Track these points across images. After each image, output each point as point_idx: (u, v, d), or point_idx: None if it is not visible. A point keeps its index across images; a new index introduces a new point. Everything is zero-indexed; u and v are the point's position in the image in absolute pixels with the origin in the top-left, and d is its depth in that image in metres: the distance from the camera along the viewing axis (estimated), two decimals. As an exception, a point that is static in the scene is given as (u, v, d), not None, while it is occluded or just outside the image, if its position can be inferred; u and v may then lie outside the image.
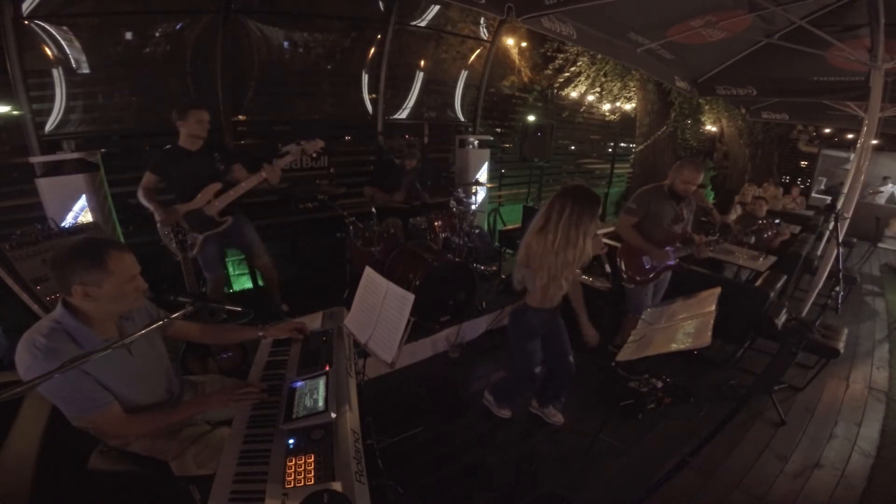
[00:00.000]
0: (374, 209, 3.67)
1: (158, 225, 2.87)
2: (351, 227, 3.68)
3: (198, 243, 2.92)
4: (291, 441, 1.34)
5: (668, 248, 2.96)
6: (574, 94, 6.84)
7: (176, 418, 1.55)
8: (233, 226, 3.04)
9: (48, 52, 3.14)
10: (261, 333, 1.96)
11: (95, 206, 3.13)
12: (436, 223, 4.14)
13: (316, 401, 1.47)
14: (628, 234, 3.02)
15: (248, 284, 4.18)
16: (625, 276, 3.12)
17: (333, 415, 1.40)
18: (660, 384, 3.01)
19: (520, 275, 2.27)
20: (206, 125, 2.85)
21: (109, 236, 1.29)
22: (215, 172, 2.93)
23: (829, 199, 8.61)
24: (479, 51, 5.46)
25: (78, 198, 3.06)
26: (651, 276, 3.06)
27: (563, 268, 2.10)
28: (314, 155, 3.11)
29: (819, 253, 5.16)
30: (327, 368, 1.66)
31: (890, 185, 8.77)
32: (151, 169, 2.87)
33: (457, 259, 3.65)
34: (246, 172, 3.01)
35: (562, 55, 6.38)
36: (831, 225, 3.45)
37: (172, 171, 2.88)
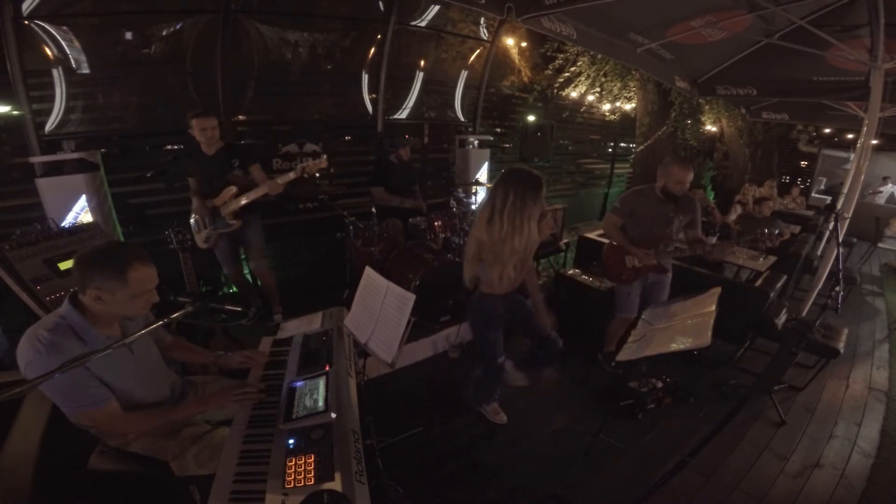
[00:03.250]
0: (374, 209, 3.67)
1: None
2: (351, 227, 3.68)
3: (213, 237, 3.14)
4: (291, 441, 1.34)
5: (650, 250, 2.89)
6: (574, 94, 6.83)
7: (175, 417, 1.56)
8: (242, 226, 3.18)
9: (48, 52, 3.14)
10: (214, 359, 1.88)
11: (95, 206, 3.12)
12: (436, 223, 4.14)
13: (316, 401, 1.47)
14: (611, 233, 3.02)
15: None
16: (608, 274, 3.14)
17: (333, 415, 1.40)
18: (660, 384, 3.01)
19: (471, 271, 2.21)
20: (209, 133, 2.95)
21: (136, 245, 1.29)
22: (231, 175, 3.06)
23: (829, 199, 8.62)
24: (479, 51, 5.45)
25: (78, 198, 3.06)
26: (627, 275, 3.02)
27: (510, 255, 2.06)
28: (317, 174, 3.16)
29: (819, 253, 5.16)
30: (327, 368, 1.66)
31: (890, 185, 8.78)
32: (186, 172, 3.20)
33: (457, 259, 3.65)
34: (263, 174, 3.15)
35: (562, 55, 6.37)
36: (831, 225, 3.45)
37: (195, 172, 3.12)
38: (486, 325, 2.36)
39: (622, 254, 3.01)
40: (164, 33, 3.62)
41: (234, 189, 3.06)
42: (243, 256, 3.57)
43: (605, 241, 3.98)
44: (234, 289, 4.13)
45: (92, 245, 1.38)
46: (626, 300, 3.09)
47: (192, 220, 3.14)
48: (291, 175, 3.06)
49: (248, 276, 3.76)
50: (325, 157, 3.20)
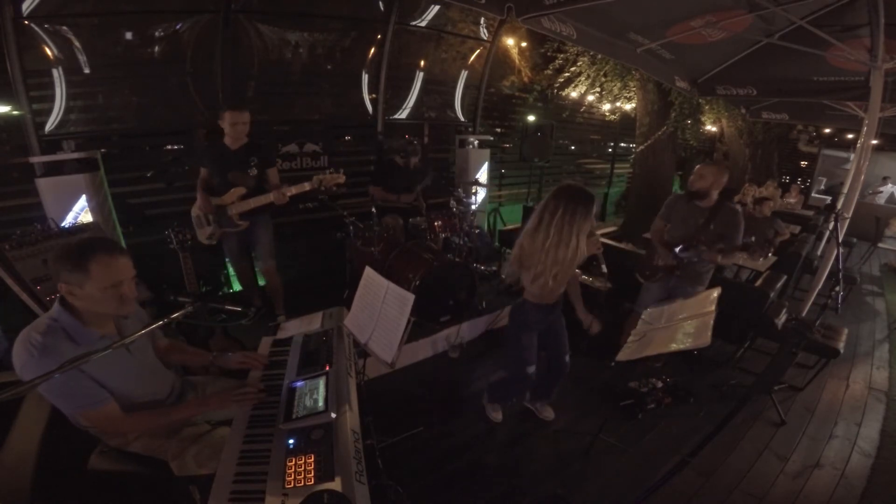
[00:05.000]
0: (374, 209, 3.67)
1: (192, 211, 3.12)
2: (351, 227, 3.68)
3: (216, 235, 3.12)
4: (291, 441, 1.34)
5: (675, 250, 2.92)
6: (574, 94, 6.83)
7: (175, 417, 1.56)
8: (252, 226, 3.18)
9: (48, 52, 3.14)
10: (212, 358, 1.87)
11: (95, 206, 3.12)
12: (436, 223, 4.14)
13: (316, 401, 1.47)
14: (653, 235, 3.15)
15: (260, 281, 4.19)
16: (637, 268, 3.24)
17: (333, 415, 1.40)
18: (660, 384, 3.01)
19: (510, 270, 2.32)
20: (239, 127, 2.96)
21: (108, 238, 1.28)
22: (245, 175, 3.03)
23: (829, 199, 8.62)
24: (479, 51, 5.45)
25: (78, 198, 3.06)
26: (651, 271, 3.08)
27: (552, 265, 2.11)
28: (334, 188, 3.15)
29: (819, 253, 5.16)
30: (327, 368, 1.66)
31: (890, 185, 8.78)
32: (196, 161, 3.17)
33: (457, 259, 3.65)
34: (277, 180, 3.16)
35: (562, 55, 6.37)
36: (831, 225, 3.45)
37: (209, 164, 3.07)
38: (520, 329, 2.41)
39: (654, 250, 3.10)
40: (164, 33, 3.62)
41: (242, 190, 3.03)
42: (253, 254, 3.56)
43: (609, 241, 4.03)
44: (235, 288, 4.14)
45: (64, 242, 1.38)
46: (643, 295, 3.19)
47: (193, 215, 3.13)
48: (307, 186, 3.05)
49: (256, 275, 3.75)
50: (342, 171, 3.14)
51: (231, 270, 4.05)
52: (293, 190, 3.06)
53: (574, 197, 2.08)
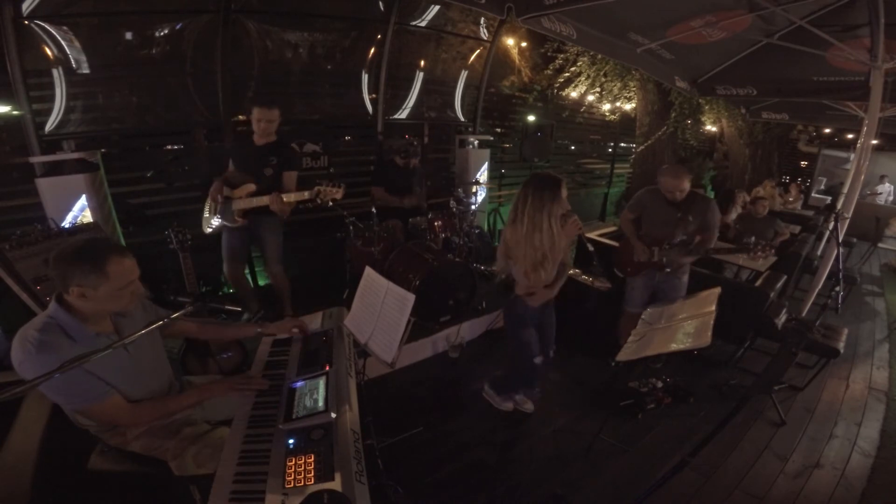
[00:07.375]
0: (374, 209, 3.67)
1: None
2: (351, 227, 3.68)
3: (214, 227, 3.12)
4: (291, 441, 1.34)
5: (654, 248, 2.94)
6: (574, 94, 6.83)
7: (175, 406, 1.56)
8: (252, 226, 3.11)
9: (48, 52, 3.14)
10: (259, 330, 1.95)
11: (95, 206, 3.12)
12: (436, 223, 4.13)
13: (316, 401, 1.47)
14: (623, 225, 3.16)
15: (260, 282, 4.21)
16: (617, 264, 3.25)
17: (333, 415, 1.40)
18: (660, 384, 3.01)
19: (502, 263, 2.36)
20: (263, 125, 2.95)
21: (111, 238, 1.31)
22: (259, 173, 3.00)
23: (829, 199, 8.63)
24: (479, 51, 5.45)
25: (78, 198, 3.06)
26: (632, 267, 3.09)
27: (534, 252, 2.15)
28: (330, 203, 3.08)
29: (819, 253, 5.17)
30: (327, 368, 1.66)
31: (887, 184, 8.78)
32: (225, 152, 3.28)
33: (457, 259, 3.65)
34: (293, 184, 3.10)
35: (562, 55, 6.37)
36: (831, 225, 3.45)
37: (233, 157, 3.18)
38: (519, 325, 2.43)
39: (630, 246, 3.09)
40: (165, 33, 3.62)
41: (252, 187, 2.98)
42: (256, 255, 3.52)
43: (606, 241, 4.03)
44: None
45: (68, 242, 1.37)
46: (629, 293, 3.20)
47: (209, 199, 3.10)
48: (306, 195, 2.97)
49: (249, 278, 3.74)
50: (342, 186, 3.00)
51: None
52: (292, 197, 2.98)
53: (539, 183, 2.15)
